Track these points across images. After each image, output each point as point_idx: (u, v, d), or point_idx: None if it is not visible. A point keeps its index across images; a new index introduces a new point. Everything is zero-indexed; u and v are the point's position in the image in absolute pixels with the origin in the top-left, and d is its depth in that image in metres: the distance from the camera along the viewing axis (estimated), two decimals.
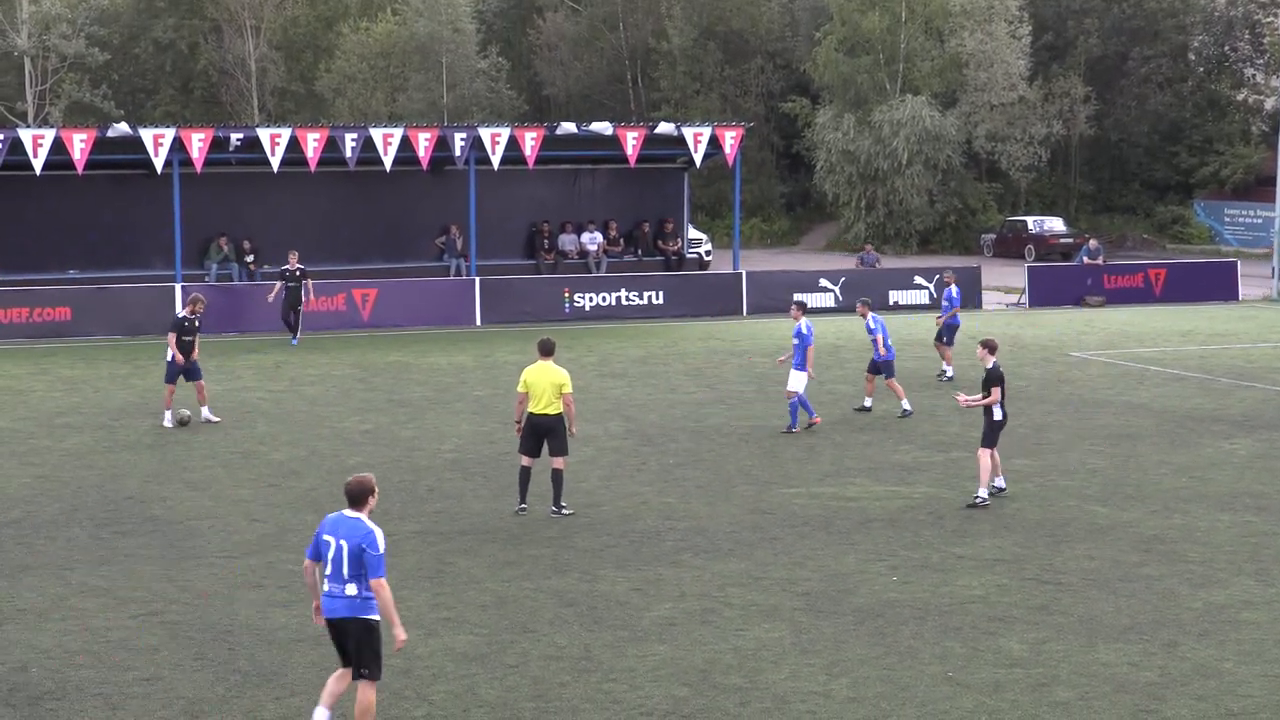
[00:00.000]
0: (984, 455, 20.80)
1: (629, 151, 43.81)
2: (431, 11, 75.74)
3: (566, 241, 47.64)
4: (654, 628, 15.57)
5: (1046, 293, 47.51)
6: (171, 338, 26.72)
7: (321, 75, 78.11)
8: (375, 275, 43.48)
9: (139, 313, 39.56)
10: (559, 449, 20.00)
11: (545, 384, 19.84)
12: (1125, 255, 63.66)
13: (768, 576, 17.27)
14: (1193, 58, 76.94)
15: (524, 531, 19.40)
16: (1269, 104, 75.49)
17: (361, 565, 12.09)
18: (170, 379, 26.79)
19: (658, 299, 43.76)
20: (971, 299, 46.51)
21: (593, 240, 47.68)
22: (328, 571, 12.26)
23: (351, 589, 12.16)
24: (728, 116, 71.15)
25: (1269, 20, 74.60)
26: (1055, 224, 66.39)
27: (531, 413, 19.91)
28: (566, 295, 43.06)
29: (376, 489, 12.41)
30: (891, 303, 45.44)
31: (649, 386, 31.11)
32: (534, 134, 43.21)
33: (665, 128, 45.56)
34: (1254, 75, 76.53)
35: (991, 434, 20.75)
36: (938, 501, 21.05)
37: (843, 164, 68.84)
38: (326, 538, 12.25)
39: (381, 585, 12.09)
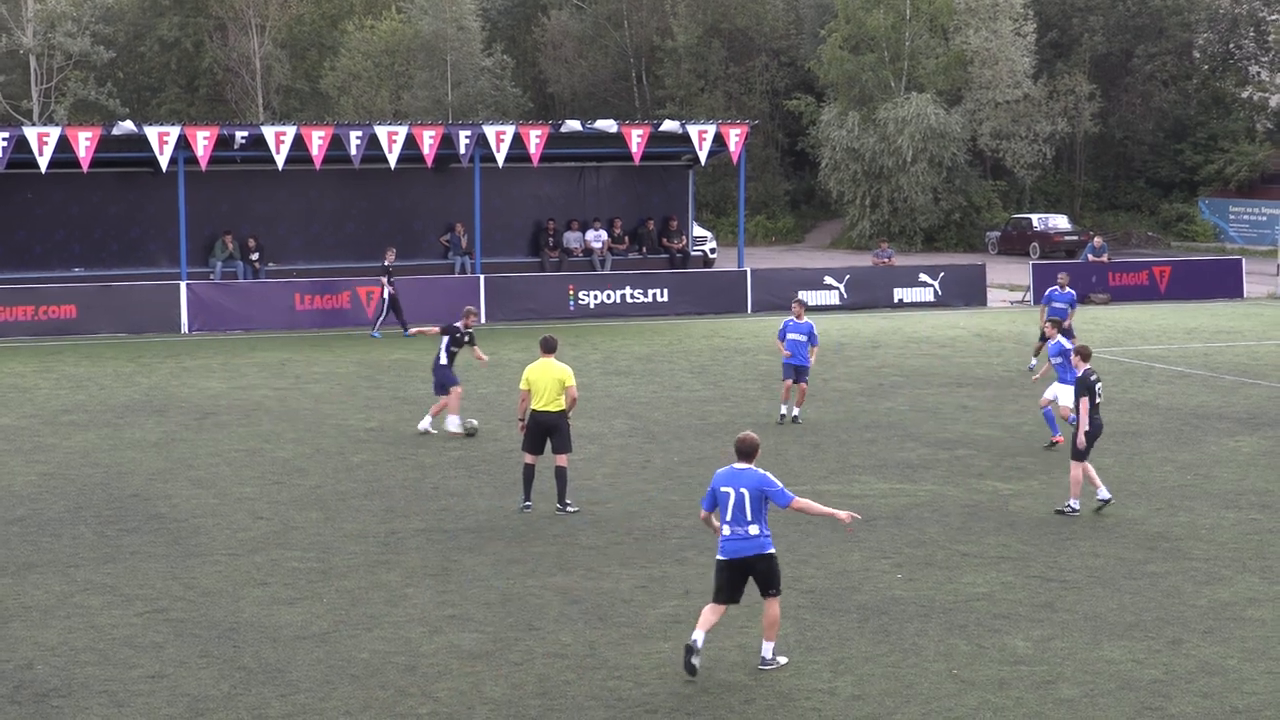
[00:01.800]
0: (1075, 469, 20.13)
1: (634, 149, 43.79)
2: (436, 9, 75.75)
3: (571, 239, 47.64)
4: (659, 625, 15.57)
5: None
6: (443, 341, 25.57)
7: (326, 73, 78.15)
8: (374, 274, 43.46)
9: (144, 311, 39.58)
10: (562, 446, 20.00)
11: (548, 381, 19.84)
12: (1130, 253, 63.64)
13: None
14: (1197, 55, 76.92)
15: (529, 529, 19.40)
16: (1274, 101, 75.48)
17: (763, 506, 14.04)
18: (442, 389, 25.62)
19: (662, 296, 43.77)
20: (975, 296, 46.53)
21: (597, 238, 47.67)
22: (728, 518, 14.05)
23: (754, 529, 14.02)
24: (732, 114, 71.16)
25: (1274, 18, 74.57)
26: (1060, 221, 66.35)
27: (534, 410, 19.92)
28: (571, 293, 43.05)
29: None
30: (896, 300, 45.44)
31: (653, 384, 31.11)
32: (539, 132, 43.18)
33: (670, 125, 45.53)
34: (1259, 73, 76.51)
35: (1082, 446, 20.06)
36: (943, 499, 21.04)
37: (847, 161, 68.84)
38: (724, 489, 14.10)
39: (798, 501, 14.15)
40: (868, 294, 45.44)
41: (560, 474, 20.14)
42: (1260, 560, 18.04)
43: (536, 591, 16.73)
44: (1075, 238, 63.83)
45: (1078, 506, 20.22)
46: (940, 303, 45.90)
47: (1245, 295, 49.32)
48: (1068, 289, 32.70)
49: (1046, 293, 33.16)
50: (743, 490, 14.07)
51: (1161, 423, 26.87)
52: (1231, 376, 32.38)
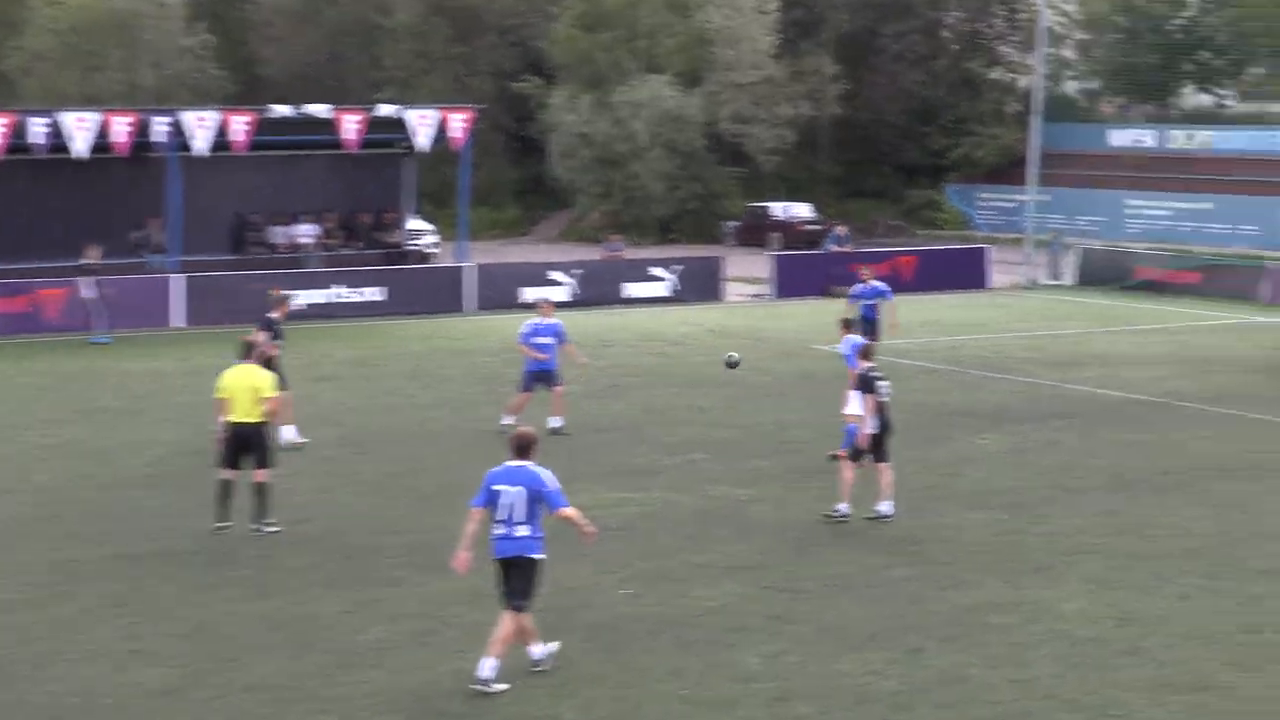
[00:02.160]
0: (847, 469, 20.49)
1: (349, 136, 43.25)
2: None
3: (277, 234, 46.81)
4: (368, 651, 15.32)
5: (792, 283, 48.03)
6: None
7: (9, 54, 75.72)
8: (65, 274, 42.06)
9: None
10: (261, 460, 19.60)
11: (244, 389, 19.42)
12: (875, 242, 64.82)
13: (492, 594, 17.05)
14: (946, 34, 78.79)
15: (225, 552, 18.94)
16: (1023, 82, 77.67)
17: (537, 507, 14.37)
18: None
19: (377, 295, 43.23)
20: (711, 291, 46.92)
21: (307, 233, 46.94)
22: (500, 517, 14.31)
23: (523, 530, 14.37)
24: (457, 97, 70.69)
25: None
26: (802, 210, 67.08)
27: (230, 421, 19.47)
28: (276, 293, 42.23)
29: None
30: (627, 296, 45.50)
31: (364, 390, 30.71)
32: (245, 118, 42.42)
33: (387, 110, 45.11)
34: (1009, 53, 78.70)
35: (863, 446, 20.43)
36: (675, 507, 21.13)
37: (578, 148, 68.95)
38: (497, 487, 14.38)
39: (567, 511, 14.50)
40: (596, 289, 45.42)
41: (260, 490, 19.70)
42: (1005, 563, 18.47)
43: (233, 620, 16.33)
44: (818, 227, 64.46)
45: (847, 511, 20.43)
46: (675, 298, 46.18)
47: (991, 285, 50.65)
48: (873, 282, 33.11)
49: (854, 289, 33.27)
50: (516, 489, 14.36)
51: (906, 421, 27.14)
52: (977, 371, 33.19)
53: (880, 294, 32.72)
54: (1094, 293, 49.18)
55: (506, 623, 14.33)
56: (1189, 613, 16.61)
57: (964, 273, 50.77)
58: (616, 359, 34.60)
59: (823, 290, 46.26)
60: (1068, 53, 79.16)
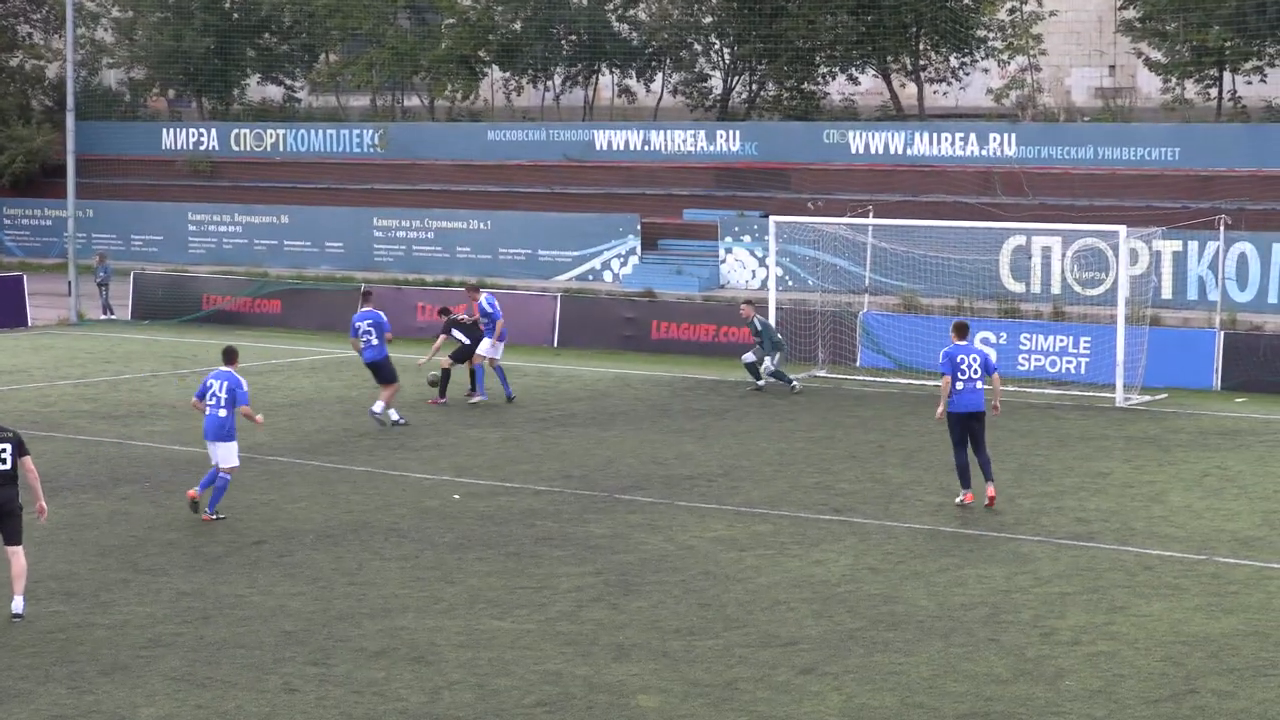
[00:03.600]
0: None
1: None
2: None
3: None
4: None
5: None
6: None
7: None
8: None
9: None
10: None
11: None
12: None
13: None
14: None
15: None
16: (52, 71, 77.00)
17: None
18: None
19: None
20: None
21: None
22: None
23: None
24: None
25: None
26: None
27: None
28: None
29: None
30: None
31: None
32: None
33: None
34: (30, 35, 77.87)
35: None
36: None
37: None
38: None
39: None
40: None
41: None
42: (68, 664, 18.23)
43: None
44: None
45: None
46: None
47: (32, 323, 49.99)
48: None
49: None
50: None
51: None
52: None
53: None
54: (157, 327, 49.51)
55: None
56: (296, 708, 16.96)
57: None
58: None
59: None
60: (105, 35, 79.10)
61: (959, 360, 26.22)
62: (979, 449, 26.46)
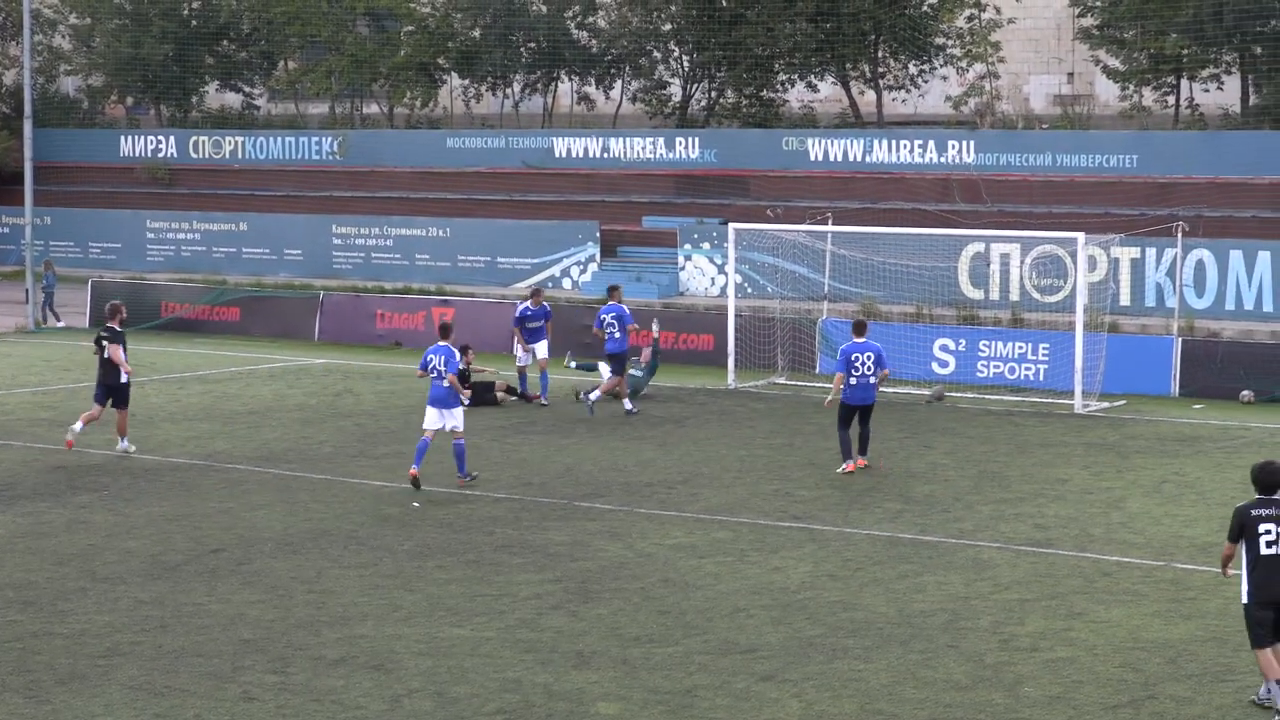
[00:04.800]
0: None
1: None
2: None
3: None
4: None
5: None
6: None
7: None
8: None
9: None
10: None
11: None
12: None
13: None
14: None
15: None
16: (10, 78, 76.83)
17: None
18: None
19: None
20: None
21: None
22: None
23: None
24: None
25: None
26: None
27: None
28: None
29: None
30: None
31: None
32: None
33: None
34: None
35: None
36: None
37: None
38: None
39: None
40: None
41: None
42: (25, 674, 18.19)
43: None
44: None
45: None
46: None
47: None
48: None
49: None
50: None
51: None
52: None
53: None
54: None
55: None
56: (255, 716, 16.94)
57: None
58: None
59: None
60: (63, 42, 78.91)
61: (853, 358, 29.32)
62: (863, 424, 29.71)
